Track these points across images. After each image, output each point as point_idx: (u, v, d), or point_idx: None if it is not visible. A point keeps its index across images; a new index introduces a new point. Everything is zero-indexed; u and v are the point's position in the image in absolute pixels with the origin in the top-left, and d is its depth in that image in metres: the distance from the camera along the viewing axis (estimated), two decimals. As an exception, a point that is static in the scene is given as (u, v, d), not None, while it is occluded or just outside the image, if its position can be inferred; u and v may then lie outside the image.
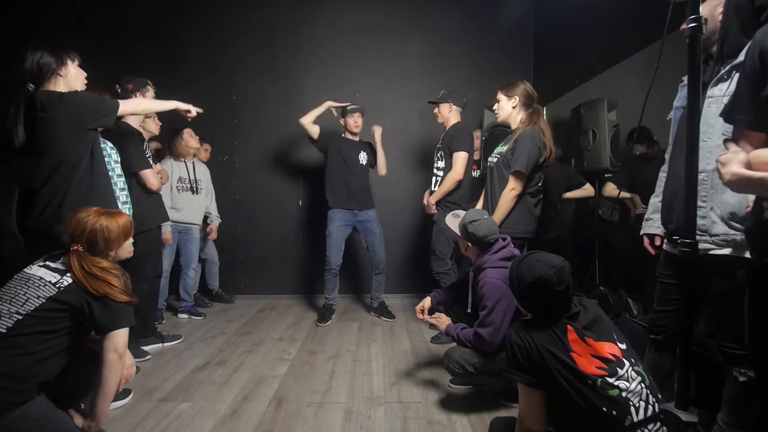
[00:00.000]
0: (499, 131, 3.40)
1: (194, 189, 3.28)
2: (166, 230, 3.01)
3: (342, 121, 3.43)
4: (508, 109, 2.35)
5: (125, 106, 1.95)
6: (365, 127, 3.48)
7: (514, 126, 2.37)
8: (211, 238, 3.59)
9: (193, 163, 3.35)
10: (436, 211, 2.99)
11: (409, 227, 4.11)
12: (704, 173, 1.31)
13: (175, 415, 1.93)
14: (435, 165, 3.08)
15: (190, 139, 3.27)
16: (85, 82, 1.95)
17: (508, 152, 2.28)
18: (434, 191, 3.02)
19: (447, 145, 2.94)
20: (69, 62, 1.88)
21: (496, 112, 2.44)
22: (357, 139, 3.45)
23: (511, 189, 2.22)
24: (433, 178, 3.08)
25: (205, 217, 3.56)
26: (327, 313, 3.39)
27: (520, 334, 1.23)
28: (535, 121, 2.29)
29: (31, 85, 1.80)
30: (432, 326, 2.16)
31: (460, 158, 2.86)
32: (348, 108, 3.36)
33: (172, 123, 3.06)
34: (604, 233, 3.07)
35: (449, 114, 2.99)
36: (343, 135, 3.45)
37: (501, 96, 2.38)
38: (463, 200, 2.95)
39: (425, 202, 3.12)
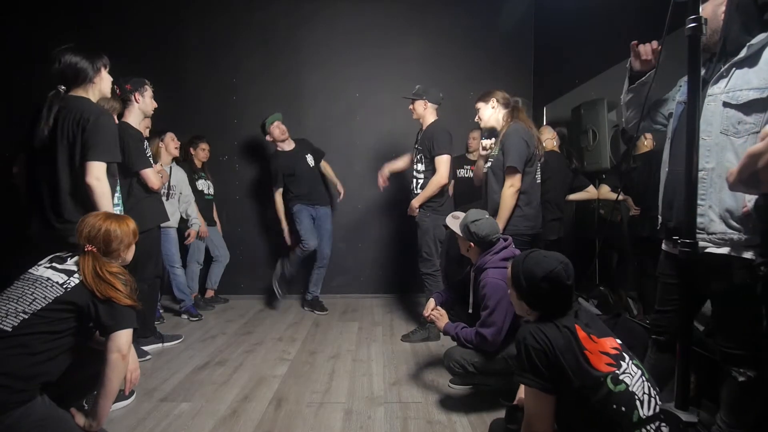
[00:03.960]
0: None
1: (167, 195, 3.19)
2: None
3: (268, 138, 3.47)
4: (489, 110, 2.42)
5: (103, 185, 1.79)
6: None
7: (498, 127, 2.42)
8: (188, 242, 3.45)
9: (170, 167, 3.26)
10: (417, 213, 2.95)
11: (408, 227, 4.08)
12: (703, 171, 1.32)
13: (175, 415, 1.93)
14: (414, 167, 3.01)
15: (170, 143, 3.21)
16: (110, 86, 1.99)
17: (499, 153, 2.32)
18: (416, 194, 2.96)
19: (427, 149, 2.87)
20: (102, 70, 1.91)
21: (477, 119, 2.49)
22: (292, 146, 3.50)
23: (510, 186, 2.24)
24: (414, 180, 3.00)
25: (185, 220, 3.46)
26: (316, 305, 3.62)
27: (536, 337, 1.17)
28: (516, 116, 2.34)
29: (63, 87, 1.81)
30: (431, 323, 2.16)
31: (443, 162, 2.80)
32: (266, 121, 3.43)
33: (154, 125, 2.99)
34: (605, 233, 3.07)
35: (424, 111, 2.94)
36: (277, 149, 3.50)
37: (479, 104, 2.45)
38: (443, 199, 2.92)
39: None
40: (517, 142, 2.24)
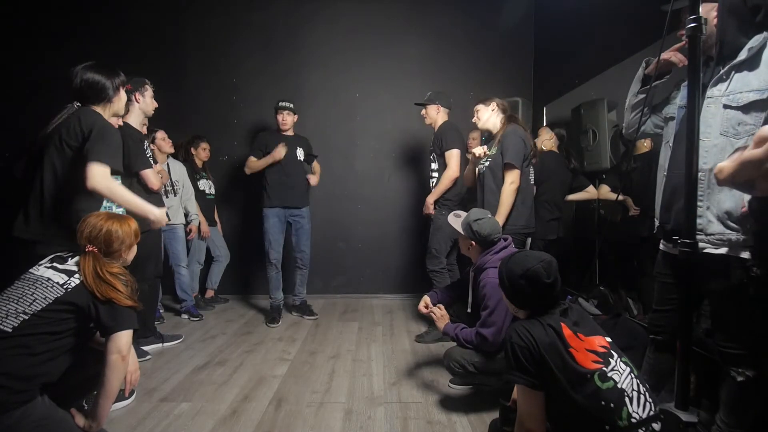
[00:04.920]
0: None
1: (171, 192, 3.20)
2: None
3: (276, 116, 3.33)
4: (488, 113, 2.55)
5: (110, 182, 1.75)
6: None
7: (494, 130, 2.54)
8: (190, 237, 3.44)
9: (167, 164, 3.25)
10: (433, 211, 3.01)
11: (409, 227, 4.12)
12: (701, 172, 1.32)
13: (175, 415, 1.93)
14: (431, 167, 3.11)
15: (162, 143, 3.17)
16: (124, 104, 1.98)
17: (497, 153, 2.43)
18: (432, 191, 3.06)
19: (438, 146, 2.98)
20: (121, 89, 1.90)
21: (475, 120, 2.61)
22: (291, 134, 3.38)
23: (510, 183, 2.33)
24: (431, 180, 3.10)
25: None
26: (276, 313, 3.34)
27: (521, 335, 1.23)
28: (513, 121, 2.49)
29: (77, 104, 1.80)
30: (430, 326, 2.17)
31: (454, 156, 2.89)
32: (278, 105, 3.30)
33: (154, 125, 2.96)
34: (605, 233, 3.07)
35: (437, 115, 3.04)
36: (276, 131, 3.37)
37: (479, 106, 2.58)
38: (458, 197, 2.98)
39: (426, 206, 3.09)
40: (516, 141, 2.36)
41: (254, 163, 3.26)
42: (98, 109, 1.84)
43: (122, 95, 1.92)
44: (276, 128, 3.36)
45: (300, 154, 3.39)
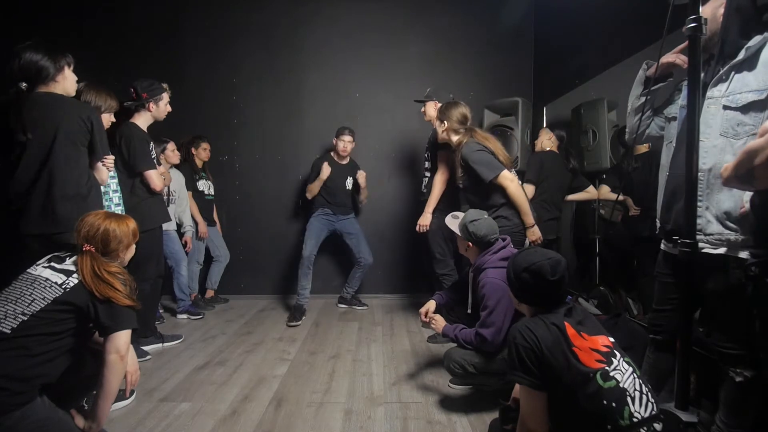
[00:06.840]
0: (499, 131, 3.40)
1: (167, 200, 3.19)
2: None
3: (334, 141, 3.50)
4: (440, 131, 2.57)
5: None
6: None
7: (452, 146, 2.54)
8: (188, 250, 3.45)
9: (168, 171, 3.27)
10: (427, 227, 2.88)
11: (409, 228, 4.09)
12: (701, 173, 1.32)
13: (175, 415, 1.93)
14: (424, 165, 3.07)
15: (171, 154, 3.21)
16: (76, 86, 1.95)
17: (463, 175, 2.43)
18: (423, 192, 2.99)
19: (433, 145, 2.93)
20: (66, 68, 1.86)
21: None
22: (345, 162, 3.54)
23: (510, 182, 2.29)
24: (424, 179, 3.06)
25: (179, 226, 3.45)
26: (297, 312, 3.37)
27: (524, 336, 1.22)
28: (471, 135, 2.43)
29: (24, 84, 1.76)
30: (428, 327, 2.17)
31: (445, 158, 2.82)
32: (341, 129, 3.45)
33: (158, 132, 2.96)
34: (605, 233, 3.08)
35: (435, 112, 2.93)
36: (332, 154, 3.52)
37: (436, 122, 2.60)
38: (449, 199, 2.89)
39: (418, 225, 2.93)
40: (477, 158, 2.31)
41: (313, 186, 3.46)
42: (45, 88, 1.80)
43: (68, 74, 1.87)
44: (331, 151, 3.53)
45: (349, 183, 3.55)
